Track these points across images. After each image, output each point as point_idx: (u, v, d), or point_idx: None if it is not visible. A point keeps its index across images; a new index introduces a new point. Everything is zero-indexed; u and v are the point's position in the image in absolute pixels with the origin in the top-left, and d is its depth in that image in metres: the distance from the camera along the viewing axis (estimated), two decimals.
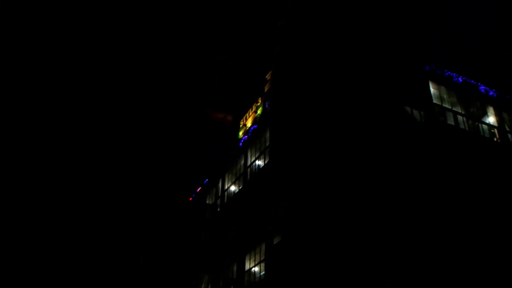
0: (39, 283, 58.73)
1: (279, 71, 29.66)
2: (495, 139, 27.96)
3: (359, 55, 25.85)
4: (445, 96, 27.95)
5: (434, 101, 27.04)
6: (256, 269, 25.88)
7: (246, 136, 31.29)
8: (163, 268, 40.37)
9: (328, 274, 19.40)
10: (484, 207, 23.66)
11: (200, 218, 36.82)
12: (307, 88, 24.72)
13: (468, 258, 21.53)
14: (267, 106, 29.57)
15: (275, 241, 23.60)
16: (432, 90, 27.52)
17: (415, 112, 25.88)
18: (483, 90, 29.25)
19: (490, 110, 29.09)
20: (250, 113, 32.27)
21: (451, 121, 26.88)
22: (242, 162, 31.70)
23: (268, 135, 28.29)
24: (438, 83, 28.05)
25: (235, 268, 28.53)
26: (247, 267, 26.96)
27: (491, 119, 28.75)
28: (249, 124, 32.08)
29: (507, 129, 28.76)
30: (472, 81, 29.25)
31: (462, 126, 27.06)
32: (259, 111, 30.78)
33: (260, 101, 31.08)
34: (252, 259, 26.56)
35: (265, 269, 24.47)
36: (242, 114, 34.17)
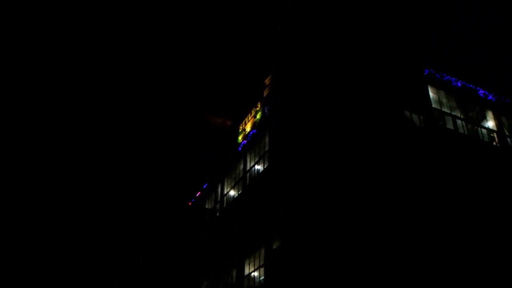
0: (39, 283, 58.68)
1: (278, 76, 29.70)
2: (494, 143, 27.96)
3: (358, 60, 25.90)
4: (444, 101, 27.99)
5: (433, 105, 27.07)
6: (256, 273, 25.82)
7: (245, 141, 31.29)
8: (163, 272, 40.27)
9: (328, 278, 19.37)
10: (484, 211, 23.64)
11: (199, 222, 36.74)
12: (307, 92, 24.74)
13: (467, 260, 21.53)
14: (266, 111, 29.58)
15: (275, 245, 23.56)
16: (431, 94, 27.56)
17: (414, 117, 25.89)
18: (482, 94, 29.29)
19: (489, 114, 29.11)
20: (250, 118, 32.28)
21: (450, 126, 26.90)
22: (241, 166, 31.68)
23: (267, 139, 28.28)
24: (437, 87, 28.09)
25: (234, 272, 28.46)
26: (246, 271, 26.89)
27: (490, 123, 28.77)
28: (248, 128, 32.08)
29: (506, 133, 28.77)
30: (471, 85, 29.31)
31: (461, 131, 27.07)
32: (258, 116, 30.79)
33: (259, 105, 31.09)
34: (252, 263, 26.50)
35: (265, 274, 24.40)
36: (241, 118, 34.17)
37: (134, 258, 48.55)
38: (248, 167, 30.51)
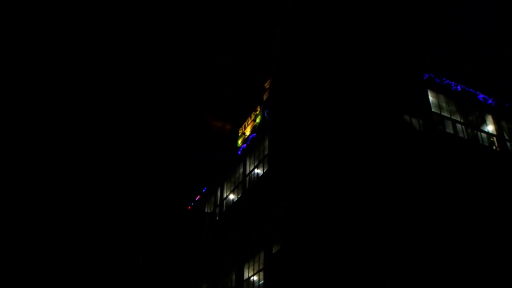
0: (39, 283, 58.65)
1: (277, 80, 29.70)
2: (494, 147, 27.95)
3: (357, 63, 25.91)
4: (444, 105, 27.99)
5: (433, 110, 27.07)
6: (255, 278, 25.78)
7: (245, 145, 31.28)
8: (162, 274, 40.22)
9: (327, 282, 19.35)
10: (483, 215, 23.63)
11: (198, 226, 36.70)
12: (306, 96, 24.74)
13: (467, 262, 21.55)
14: (266, 114, 29.57)
15: (274, 249, 23.53)
16: (431, 98, 27.56)
17: (414, 121, 25.89)
18: (481, 99, 29.29)
19: (489, 119, 29.10)
20: (249, 122, 32.26)
21: (450, 130, 26.90)
22: (241, 170, 31.66)
23: (267, 143, 28.28)
24: (436, 91, 28.09)
25: (234, 276, 28.41)
26: (246, 276, 26.85)
27: (490, 128, 28.76)
28: (248, 132, 32.07)
29: (506, 137, 28.76)
30: (471, 89, 29.31)
31: (461, 135, 27.06)
32: (258, 120, 30.78)
33: (259, 109, 31.09)
34: (251, 267, 26.46)
35: (264, 278, 24.36)
36: (241, 122, 34.16)
37: (134, 259, 48.56)
38: (247, 171, 30.49)
